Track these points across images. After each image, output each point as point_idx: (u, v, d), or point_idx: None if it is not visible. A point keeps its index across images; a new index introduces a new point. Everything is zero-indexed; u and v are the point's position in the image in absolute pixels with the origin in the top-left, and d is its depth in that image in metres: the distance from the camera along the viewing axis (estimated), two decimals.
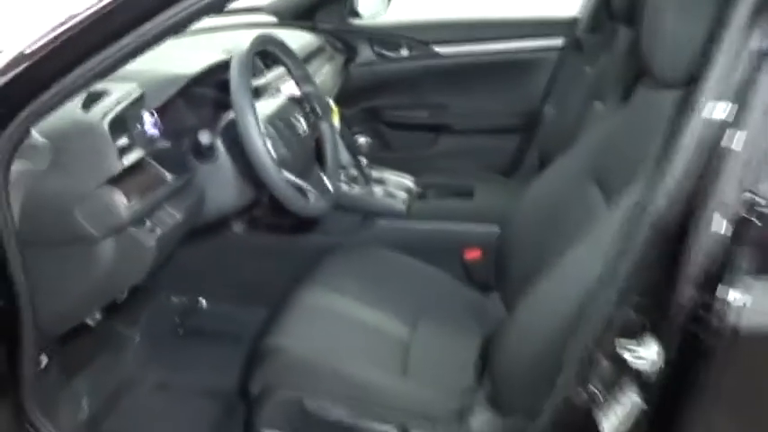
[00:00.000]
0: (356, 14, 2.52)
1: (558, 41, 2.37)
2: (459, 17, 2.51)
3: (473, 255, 1.77)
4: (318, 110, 1.55)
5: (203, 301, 2.05)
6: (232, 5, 2.22)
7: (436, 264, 1.73)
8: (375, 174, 1.99)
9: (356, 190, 1.87)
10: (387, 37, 2.49)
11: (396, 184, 1.94)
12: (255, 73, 1.69)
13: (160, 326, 1.97)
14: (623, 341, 0.93)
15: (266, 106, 1.40)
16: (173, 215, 1.30)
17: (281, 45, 1.47)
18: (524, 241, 1.54)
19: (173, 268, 2.00)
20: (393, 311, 1.52)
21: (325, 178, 1.52)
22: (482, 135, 2.54)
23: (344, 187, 1.87)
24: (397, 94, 2.57)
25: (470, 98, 2.52)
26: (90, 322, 1.60)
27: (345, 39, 2.51)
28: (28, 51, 1.05)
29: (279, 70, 1.76)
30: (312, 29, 2.45)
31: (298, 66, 1.53)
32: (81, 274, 1.21)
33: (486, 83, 2.48)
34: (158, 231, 1.24)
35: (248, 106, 1.23)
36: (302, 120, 1.44)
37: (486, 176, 2.20)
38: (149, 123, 1.44)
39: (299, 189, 1.37)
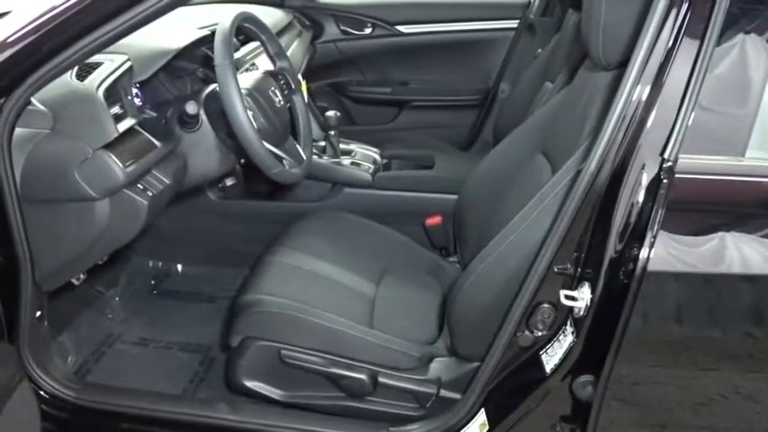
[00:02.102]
0: None
1: (512, 23, 2.53)
2: None
3: (433, 221, 1.90)
4: (292, 84, 1.66)
5: (178, 266, 2.15)
6: None
7: (399, 229, 1.86)
8: (343, 146, 2.11)
9: (325, 160, 1.99)
10: (351, 15, 2.60)
11: (362, 156, 2.07)
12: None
13: (137, 287, 2.07)
14: (563, 291, 1.10)
15: (245, 80, 1.50)
16: (161, 179, 1.40)
17: (258, 22, 1.57)
18: (479, 207, 1.67)
19: (150, 234, 2.10)
20: (359, 270, 1.64)
21: (299, 148, 1.63)
22: (441, 111, 2.70)
23: (314, 157, 1.98)
24: (361, 71, 2.70)
25: (430, 75, 2.67)
26: (75, 281, 1.71)
27: (312, 16, 2.62)
28: (29, 27, 1.13)
29: (252, 45, 1.86)
30: (281, 5, 2.55)
31: (273, 42, 1.63)
32: (78, 232, 1.31)
33: (446, 61, 2.63)
34: (150, 193, 1.35)
35: (232, 79, 1.34)
36: (278, 93, 1.55)
37: (445, 149, 2.34)
38: (133, 94, 1.55)
39: (277, 157, 1.49)
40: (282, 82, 1.63)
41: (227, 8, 2.13)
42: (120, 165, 1.26)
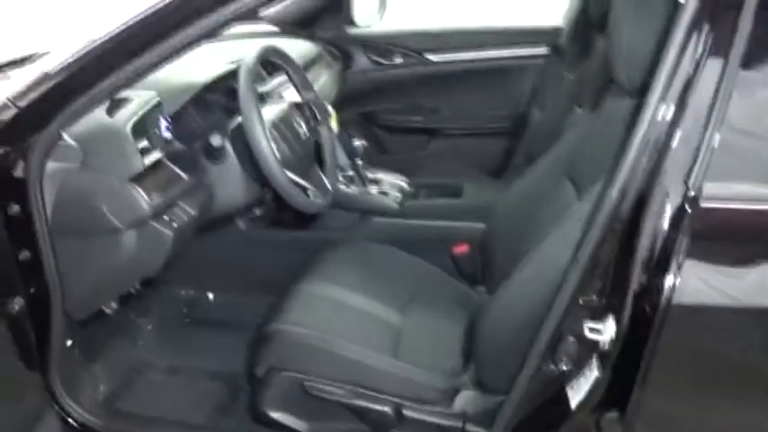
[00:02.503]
0: (352, 23, 2.67)
1: (542, 49, 2.51)
2: (449, 26, 2.64)
3: (461, 249, 1.88)
4: (318, 115, 1.68)
5: (210, 294, 2.18)
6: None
7: (427, 258, 1.85)
8: (371, 175, 2.11)
9: (353, 190, 2.00)
10: (381, 45, 2.63)
11: (390, 185, 2.07)
12: (259, 81, 1.82)
13: (169, 315, 2.10)
14: (588, 322, 1.07)
15: (270, 111, 1.53)
16: (187, 211, 1.43)
17: (283, 55, 1.60)
18: (507, 235, 1.65)
19: (182, 263, 2.12)
20: (385, 300, 1.63)
21: (324, 178, 1.64)
22: (472, 137, 2.69)
23: (342, 187, 2.00)
24: (392, 100, 2.72)
25: (461, 103, 2.66)
26: (108, 311, 1.74)
27: (342, 47, 2.65)
28: (56, 70, 1.17)
29: (280, 78, 1.89)
30: (311, 37, 2.59)
31: (298, 74, 1.66)
32: (106, 262, 1.34)
33: (476, 88, 2.62)
34: (175, 225, 1.38)
35: (254, 112, 1.36)
36: (303, 124, 1.57)
37: (474, 176, 2.32)
38: (163, 128, 1.58)
39: (301, 187, 1.50)
40: (308, 113, 1.65)
41: (255, 42, 2.18)
42: (146, 197, 1.29)
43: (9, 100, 1.17)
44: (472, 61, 2.57)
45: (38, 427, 1.20)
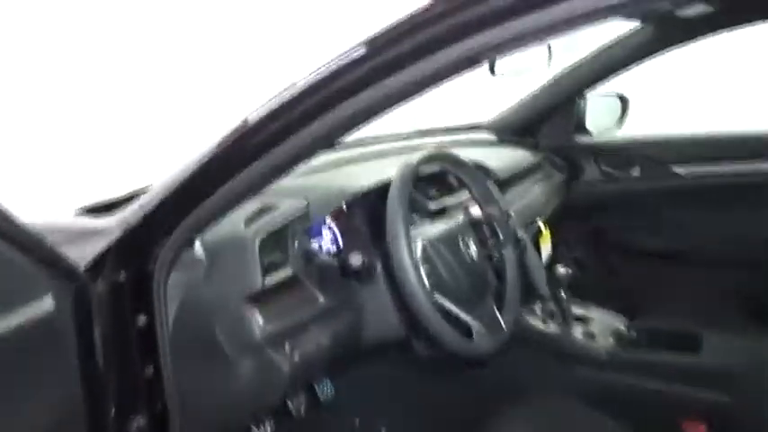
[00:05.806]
0: (584, 130, 2.34)
1: None
2: (704, 132, 2.15)
3: (694, 430, 1.36)
4: (501, 234, 1.38)
5: (383, 428, 1.92)
6: (453, 123, 2.22)
7: (644, 431, 1.37)
8: (578, 310, 1.70)
9: (551, 327, 1.61)
10: (616, 154, 2.24)
11: (600, 325, 1.63)
12: (426, 191, 1.59)
13: None
14: None
15: (434, 228, 1.28)
16: (317, 339, 1.21)
17: (457, 162, 1.36)
18: (757, 413, 1.14)
19: (354, 389, 1.92)
20: None
21: (498, 313, 1.31)
22: (732, 269, 2.09)
23: (537, 323, 1.62)
24: (626, 218, 2.28)
25: (719, 226, 2.11)
26: None
27: (569, 156, 2.33)
28: (175, 179, 1.08)
29: (462, 192, 1.63)
30: (534, 146, 2.32)
31: (479, 184, 1.39)
32: (221, 389, 1.17)
33: (741, 208, 2.06)
34: (296, 356, 1.16)
35: (400, 224, 1.12)
36: (473, 245, 1.28)
37: (718, 324, 1.71)
38: (328, 238, 1.43)
39: (462, 322, 1.20)
40: (486, 232, 1.36)
41: (465, 151, 1.98)
42: (260, 321, 1.11)
43: (139, 205, 1.10)
44: (736, 175, 2.03)
45: None
